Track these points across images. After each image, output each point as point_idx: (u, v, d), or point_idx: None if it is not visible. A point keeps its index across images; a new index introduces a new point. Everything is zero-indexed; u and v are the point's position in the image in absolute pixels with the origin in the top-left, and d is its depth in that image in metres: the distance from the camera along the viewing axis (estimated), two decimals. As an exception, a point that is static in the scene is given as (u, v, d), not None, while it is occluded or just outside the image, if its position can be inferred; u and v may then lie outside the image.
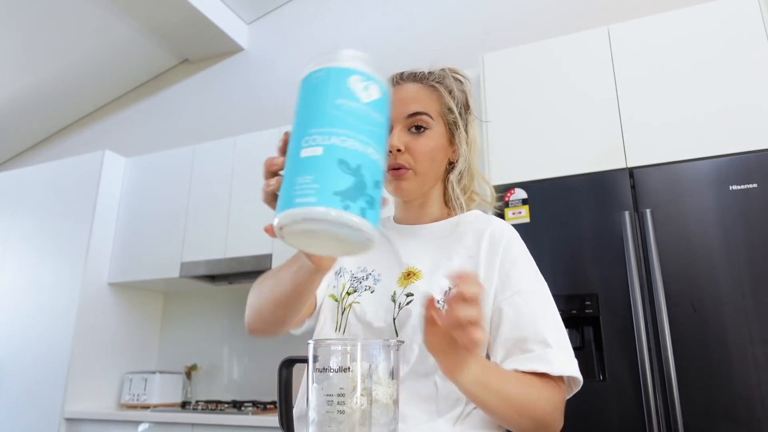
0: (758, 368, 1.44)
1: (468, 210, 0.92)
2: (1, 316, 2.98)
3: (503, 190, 1.87)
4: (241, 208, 2.75)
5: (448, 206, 0.93)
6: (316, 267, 0.70)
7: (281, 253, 2.54)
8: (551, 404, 0.74)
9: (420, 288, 0.80)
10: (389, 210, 0.98)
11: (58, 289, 2.85)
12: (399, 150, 0.83)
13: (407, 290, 0.81)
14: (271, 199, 0.56)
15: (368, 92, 0.52)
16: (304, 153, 0.48)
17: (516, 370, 0.74)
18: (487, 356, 0.83)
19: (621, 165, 1.82)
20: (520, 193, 1.85)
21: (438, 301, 0.78)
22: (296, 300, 0.78)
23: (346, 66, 0.52)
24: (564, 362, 0.75)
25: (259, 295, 0.85)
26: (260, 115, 3.32)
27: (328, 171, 0.47)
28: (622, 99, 1.89)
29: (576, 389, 0.81)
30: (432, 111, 0.86)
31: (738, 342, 1.48)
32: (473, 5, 2.89)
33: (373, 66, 0.54)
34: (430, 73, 0.91)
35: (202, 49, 3.60)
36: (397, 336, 0.78)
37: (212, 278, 2.88)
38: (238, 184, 2.81)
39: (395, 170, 0.85)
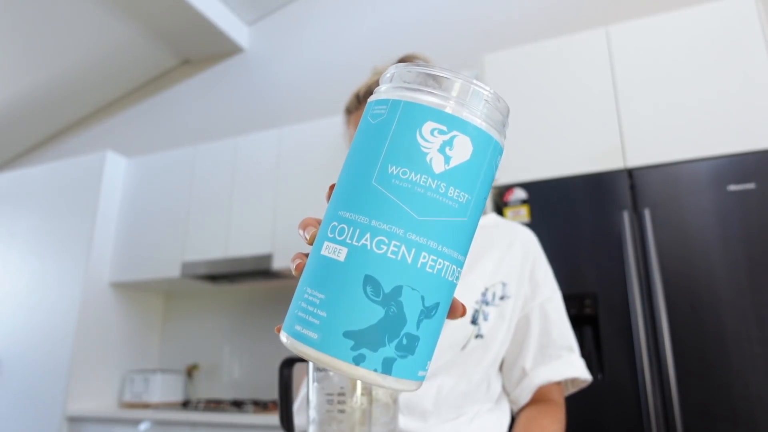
0: (756, 367, 1.45)
1: None
2: (3, 315, 2.99)
3: (503, 190, 1.88)
4: (242, 209, 2.76)
5: None
6: None
7: (282, 252, 2.55)
8: (563, 425, 0.82)
9: (458, 290, 0.81)
10: None
11: (59, 288, 2.86)
12: None
13: None
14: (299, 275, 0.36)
15: (449, 152, 0.32)
16: (325, 250, 0.32)
17: (549, 381, 0.81)
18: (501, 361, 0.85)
19: (620, 165, 1.83)
20: (520, 193, 1.86)
21: (476, 302, 0.80)
22: None
23: (420, 101, 0.32)
24: (584, 367, 0.84)
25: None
26: (261, 115, 3.32)
27: (345, 293, 0.31)
28: (621, 99, 1.90)
29: (574, 389, 0.86)
30: None
31: (736, 341, 1.48)
32: (473, 6, 2.89)
33: (473, 94, 0.33)
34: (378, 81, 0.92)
35: (203, 50, 3.61)
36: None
37: (213, 278, 2.88)
38: (238, 184, 2.82)
39: None
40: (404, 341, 0.31)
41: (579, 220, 1.76)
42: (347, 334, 0.30)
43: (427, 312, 0.32)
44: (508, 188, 1.87)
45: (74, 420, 2.60)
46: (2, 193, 3.31)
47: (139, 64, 3.72)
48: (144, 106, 3.84)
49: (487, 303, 0.81)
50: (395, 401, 0.58)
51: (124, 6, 3.17)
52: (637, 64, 1.91)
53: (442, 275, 0.32)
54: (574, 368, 0.82)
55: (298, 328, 0.32)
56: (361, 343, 0.30)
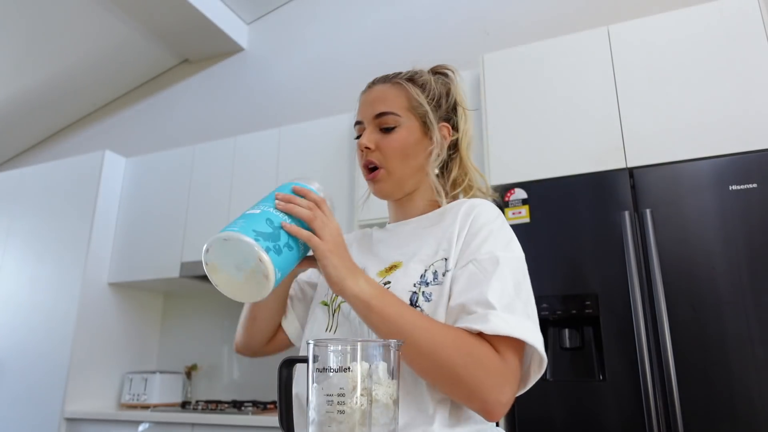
0: (758, 368, 1.44)
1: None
2: (1, 315, 2.98)
3: (503, 190, 1.88)
4: (241, 208, 2.73)
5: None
6: None
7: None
8: (474, 361, 0.68)
9: (398, 276, 0.80)
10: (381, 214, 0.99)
11: (58, 289, 2.85)
12: (368, 148, 0.86)
13: (385, 279, 0.81)
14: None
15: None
16: (249, 211, 0.70)
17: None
18: None
19: (621, 165, 1.82)
20: (520, 193, 1.85)
21: (414, 284, 0.78)
22: (256, 316, 0.93)
23: (299, 180, 0.78)
24: (504, 322, 0.69)
25: (240, 319, 0.97)
26: (260, 115, 3.32)
27: (256, 220, 0.67)
28: (622, 99, 1.89)
29: (542, 369, 0.75)
30: (398, 108, 0.87)
31: (738, 342, 1.48)
32: (473, 5, 2.89)
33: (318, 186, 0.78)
34: (398, 72, 0.93)
35: (202, 49, 3.60)
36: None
37: (212, 278, 2.87)
38: (237, 183, 2.81)
39: (369, 173, 0.88)
40: (278, 247, 0.66)
41: (580, 221, 1.75)
42: (254, 231, 0.65)
43: (289, 246, 0.68)
44: (508, 188, 1.87)
45: (73, 421, 2.59)
46: (1, 193, 3.31)
47: (138, 64, 3.71)
48: (143, 105, 3.84)
49: (427, 284, 0.78)
50: (395, 402, 0.58)
51: (124, 5, 3.16)
52: (639, 64, 1.91)
53: (297, 241, 0.70)
54: (483, 322, 0.69)
55: (226, 227, 0.65)
56: (260, 236, 0.65)
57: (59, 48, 3.42)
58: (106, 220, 3.00)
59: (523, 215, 1.82)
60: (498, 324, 0.69)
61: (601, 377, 1.61)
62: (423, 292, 0.77)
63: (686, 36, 1.87)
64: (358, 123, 0.91)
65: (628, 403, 1.54)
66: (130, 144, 3.61)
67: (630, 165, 1.81)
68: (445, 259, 0.79)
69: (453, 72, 0.96)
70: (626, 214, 1.66)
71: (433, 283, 0.78)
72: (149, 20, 3.31)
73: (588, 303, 1.65)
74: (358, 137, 0.90)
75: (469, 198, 0.91)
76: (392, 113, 0.87)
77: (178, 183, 2.97)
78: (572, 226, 1.75)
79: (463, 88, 0.96)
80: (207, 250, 0.65)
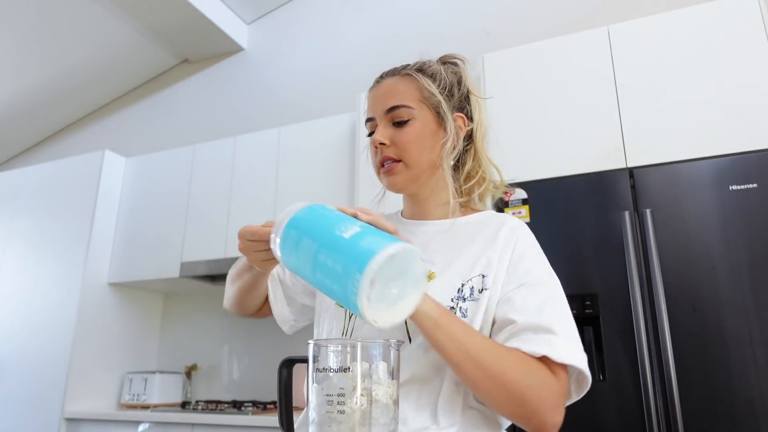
0: (758, 368, 1.44)
1: (477, 199, 0.91)
2: (1, 316, 2.98)
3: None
4: (241, 208, 2.75)
5: (462, 199, 0.90)
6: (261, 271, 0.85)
7: (281, 253, 2.54)
8: (538, 382, 0.70)
9: (434, 288, 0.78)
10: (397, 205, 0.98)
11: (58, 289, 2.85)
12: (383, 144, 0.84)
13: None
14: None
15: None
16: (350, 228, 0.58)
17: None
18: None
19: (621, 165, 1.82)
20: (520, 193, 1.85)
21: (452, 299, 0.77)
22: (259, 284, 0.93)
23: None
24: (567, 351, 0.71)
25: (229, 287, 0.98)
26: (260, 114, 3.32)
27: (377, 231, 0.59)
28: (622, 99, 1.89)
29: (584, 390, 0.78)
30: (410, 101, 0.84)
31: (738, 342, 1.48)
32: (474, 5, 2.89)
33: None
34: (407, 64, 0.90)
35: (202, 49, 3.60)
36: (410, 337, 0.76)
37: (212, 278, 2.88)
38: (237, 183, 2.81)
39: (384, 167, 0.85)
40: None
41: (580, 221, 1.75)
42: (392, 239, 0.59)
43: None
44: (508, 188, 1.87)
45: (72, 421, 2.59)
46: (0, 193, 3.31)
47: (138, 64, 3.71)
48: (143, 105, 3.84)
49: (464, 299, 0.77)
50: (395, 402, 0.58)
51: (124, 5, 3.16)
52: (639, 64, 1.91)
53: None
54: (549, 347, 0.70)
55: (384, 241, 0.57)
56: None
57: (59, 48, 3.42)
58: (106, 219, 3.00)
59: (523, 215, 1.82)
60: (562, 352, 0.71)
61: (601, 377, 1.61)
62: (461, 307, 0.76)
63: (686, 36, 1.87)
64: (369, 120, 0.88)
65: (628, 403, 1.54)
66: (130, 144, 3.61)
67: (630, 165, 1.81)
68: (483, 276, 0.78)
69: (462, 61, 0.93)
70: (626, 214, 1.66)
71: (469, 298, 0.77)
72: (149, 20, 3.31)
73: (588, 303, 1.65)
74: (370, 135, 0.87)
75: (483, 194, 0.91)
76: (405, 106, 0.83)
77: (178, 183, 2.97)
78: (572, 226, 1.75)
79: (473, 78, 0.95)
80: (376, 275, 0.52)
